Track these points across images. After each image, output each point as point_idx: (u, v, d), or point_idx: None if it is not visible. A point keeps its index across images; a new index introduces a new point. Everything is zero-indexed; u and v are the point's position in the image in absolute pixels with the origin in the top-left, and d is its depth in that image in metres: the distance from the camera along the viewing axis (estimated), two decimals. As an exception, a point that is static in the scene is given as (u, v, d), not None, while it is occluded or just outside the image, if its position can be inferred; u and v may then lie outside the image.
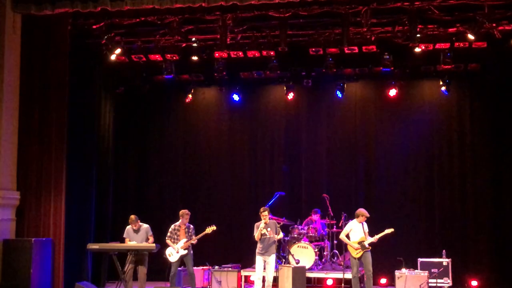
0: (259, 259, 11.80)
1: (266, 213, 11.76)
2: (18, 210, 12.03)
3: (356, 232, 11.99)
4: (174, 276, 12.29)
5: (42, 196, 12.26)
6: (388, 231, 11.84)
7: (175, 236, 12.27)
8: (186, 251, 12.14)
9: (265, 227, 11.74)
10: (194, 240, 12.17)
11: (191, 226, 12.33)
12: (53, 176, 12.33)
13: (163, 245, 12.45)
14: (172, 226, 12.39)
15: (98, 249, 12.05)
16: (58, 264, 12.20)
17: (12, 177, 11.98)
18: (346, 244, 12.45)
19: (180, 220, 12.29)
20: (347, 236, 12.08)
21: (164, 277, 14.48)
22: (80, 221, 13.53)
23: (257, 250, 11.85)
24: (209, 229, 12.19)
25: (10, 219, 11.86)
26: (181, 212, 12.35)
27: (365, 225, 12.02)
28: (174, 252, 12.19)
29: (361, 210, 12.05)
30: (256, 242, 11.87)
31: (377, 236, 11.86)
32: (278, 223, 13.42)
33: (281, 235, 12.04)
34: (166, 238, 12.33)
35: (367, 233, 11.92)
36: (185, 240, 12.17)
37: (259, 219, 11.88)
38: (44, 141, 12.36)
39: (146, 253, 11.89)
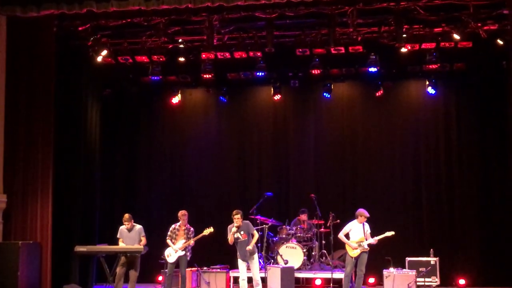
0: (240, 262, 11.71)
1: (238, 216, 11.53)
2: (5, 213, 11.96)
3: (356, 232, 12.02)
4: (170, 277, 12.34)
5: (29, 199, 12.19)
6: (389, 233, 11.91)
7: (174, 236, 12.32)
8: (183, 252, 12.18)
9: (238, 230, 11.57)
10: (191, 242, 12.20)
11: (191, 228, 12.37)
12: (40, 179, 12.27)
13: (152, 247, 12.44)
14: (173, 226, 12.45)
15: (85, 252, 11.98)
16: (46, 267, 12.14)
17: (-2, 180, 11.92)
18: (334, 244, 12.48)
19: (180, 221, 12.34)
20: (347, 235, 12.12)
21: (154, 279, 14.53)
22: (67, 224, 13.45)
23: (238, 254, 11.74)
24: (207, 231, 12.22)
25: (-4, 222, 11.81)
26: (179, 213, 12.39)
27: (367, 226, 12.05)
28: (173, 252, 12.22)
29: (360, 211, 12.08)
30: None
31: (376, 238, 11.91)
32: (266, 224, 13.46)
33: (256, 236, 11.72)
34: (166, 238, 12.40)
35: (368, 234, 11.96)
36: (183, 241, 12.19)
37: (248, 220, 11.89)
38: (30, 143, 12.29)
39: (137, 255, 11.89)
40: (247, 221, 11.93)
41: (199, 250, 12.96)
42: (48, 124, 12.45)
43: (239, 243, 11.60)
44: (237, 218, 11.55)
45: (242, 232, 11.57)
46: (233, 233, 11.54)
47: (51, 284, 12.27)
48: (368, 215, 12.02)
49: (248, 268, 11.72)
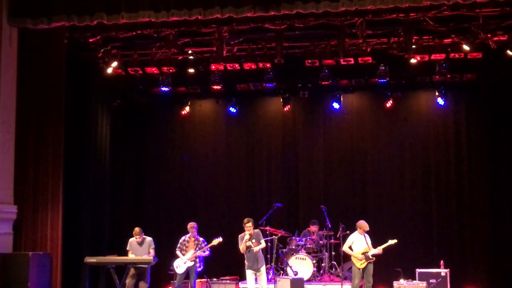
0: (249, 273, 11.59)
1: (249, 224, 11.42)
2: (16, 224, 11.98)
3: (358, 243, 12.05)
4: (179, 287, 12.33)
5: (40, 210, 12.20)
6: (392, 242, 11.91)
7: (184, 248, 12.33)
8: (192, 263, 12.18)
9: (250, 238, 11.46)
10: (200, 252, 12.18)
11: (201, 239, 12.40)
12: (50, 190, 12.28)
13: (161, 258, 12.44)
14: (183, 238, 12.50)
15: (95, 263, 12.01)
16: (56, 278, 12.13)
17: (10, 191, 11.93)
18: (344, 256, 12.43)
19: (189, 233, 12.37)
20: (350, 247, 12.12)
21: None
22: (77, 235, 13.48)
23: (245, 264, 11.61)
24: (215, 241, 12.24)
25: (7, 233, 11.81)
26: (188, 225, 12.47)
27: (367, 236, 12.08)
28: (182, 263, 12.23)
29: (361, 222, 12.12)
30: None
31: (380, 247, 11.93)
32: (275, 235, 13.43)
33: (263, 244, 11.62)
34: (176, 249, 12.44)
35: (370, 245, 11.97)
36: (192, 252, 12.20)
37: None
38: (40, 154, 12.32)
39: (147, 267, 11.89)
40: (258, 230, 11.91)
41: (209, 261, 12.96)
42: (58, 135, 12.48)
43: (251, 252, 11.51)
44: (249, 226, 11.44)
45: (253, 241, 11.46)
46: (245, 241, 11.44)
47: (61, 295, 12.29)
48: (367, 227, 12.05)
49: (256, 280, 11.67)
